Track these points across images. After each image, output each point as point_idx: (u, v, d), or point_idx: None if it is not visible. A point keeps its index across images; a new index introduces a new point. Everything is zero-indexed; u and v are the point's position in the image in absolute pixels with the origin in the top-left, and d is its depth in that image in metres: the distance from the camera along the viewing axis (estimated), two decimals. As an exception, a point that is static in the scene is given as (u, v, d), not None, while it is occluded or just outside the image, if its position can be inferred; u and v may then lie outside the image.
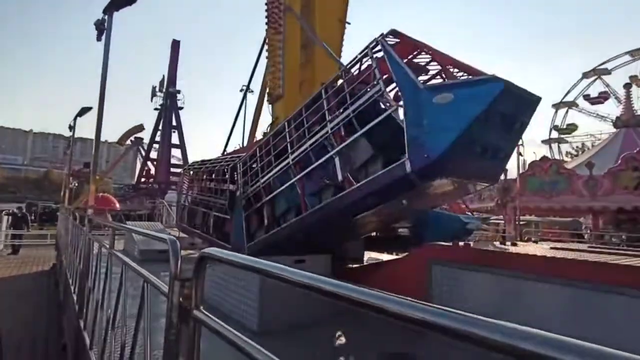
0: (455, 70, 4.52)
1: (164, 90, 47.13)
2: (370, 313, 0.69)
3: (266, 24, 11.42)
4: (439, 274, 4.80)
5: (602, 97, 45.75)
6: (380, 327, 4.47)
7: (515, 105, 3.65)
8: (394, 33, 4.31)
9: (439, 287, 4.79)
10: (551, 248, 4.91)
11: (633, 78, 42.83)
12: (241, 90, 42.52)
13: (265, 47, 11.66)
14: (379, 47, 4.25)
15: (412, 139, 3.59)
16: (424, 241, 5.95)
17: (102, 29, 6.87)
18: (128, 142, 51.04)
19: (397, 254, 7.05)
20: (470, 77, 4.17)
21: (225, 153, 11.47)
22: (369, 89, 4.28)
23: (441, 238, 5.52)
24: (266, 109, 14.16)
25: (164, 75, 47.79)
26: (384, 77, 4.11)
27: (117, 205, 27.22)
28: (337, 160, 4.42)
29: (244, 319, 4.67)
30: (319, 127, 4.85)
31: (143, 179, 47.31)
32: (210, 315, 1.26)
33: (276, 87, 10.44)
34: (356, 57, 4.62)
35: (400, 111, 4.03)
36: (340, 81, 4.94)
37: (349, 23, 10.91)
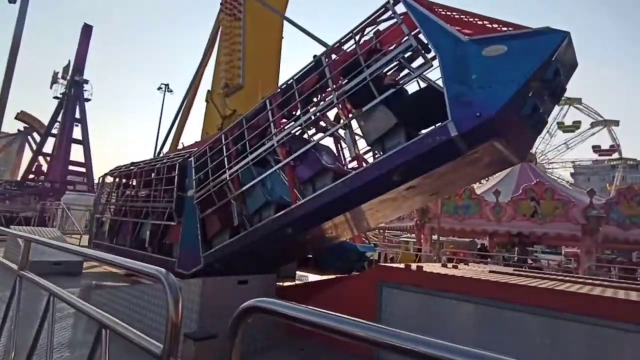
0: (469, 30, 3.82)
1: (68, 77, 41.70)
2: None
3: (221, 10, 10.52)
4: (389, 296, 4.70)
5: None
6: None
7: (567, 62, 3.34)
8: None
9: (388, 309, 4.69)
10: (490, 271, 5.16)
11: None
12: (159, 89, 39.12)
13: (220, 36, 10.76)
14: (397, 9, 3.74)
15: (456, 96, 3.13)
16: (324, 265, 5.83)
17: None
18: (15, 129, 43.85)
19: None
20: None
21: (160, 154, 10.35)
22: (393, 48, 3.69)
23: (340, 264, 5.48)
24: (195, 109, 13.20)
25: (69, 61, 42.40)
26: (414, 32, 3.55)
27: (-6, 204, 22.79)
28: (347, 134, 3.89)
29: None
30: (316, 99, 4.26)
31: (32, 176, 40.79)
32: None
33: (234, 77, 9.60)
34: (366, 19, 4.02)
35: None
36: (333, 56, 4.35)
37: (282, 37, 10.75)
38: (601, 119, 43.31)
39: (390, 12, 3.89)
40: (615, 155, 43.39)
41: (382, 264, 4.94)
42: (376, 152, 3.85)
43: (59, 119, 41.02)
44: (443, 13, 3.93)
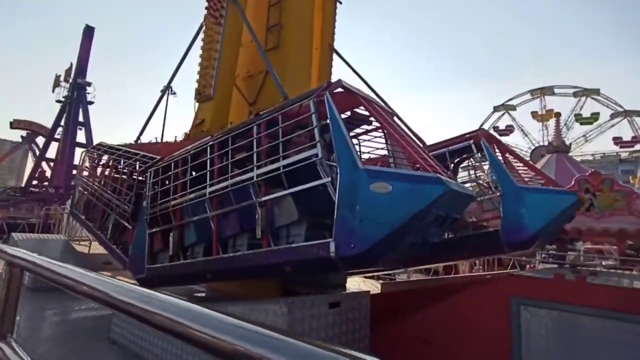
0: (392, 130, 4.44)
1: (70, 80, 40.72)
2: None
3: (206, 8, 9.55)
4: (532, 320, 3.35)
5: (508, 130, 51.31)
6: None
7: (450, 205, 3.58)
8: (339, 84, 4.06)
9: (532, 337, 3.35)
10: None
11: (534, 113, 49.05)
12: (162, 91, 38.92)
13: (201, 35, 9.72)
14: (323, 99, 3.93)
15: (342, 219, 3.35)
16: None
17: None
18: (19, 137, 42.97)
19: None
20: (403, 160, 4.10)
21: (139, 141, 9.39)
22: (305, 148, 3.91)
23: (544, 223, 4.42)
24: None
25: (71, 64, 41.45)
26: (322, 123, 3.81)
27: (-3, 212, 21.75)
28: (259, 211, 4.01)
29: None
30: (247, 164, 4.46)
31: (35, 182, 39.75)
32: None
33: (207, 85, 8.88)
34: (297, 100, 4.26)
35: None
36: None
37: (340, 2, 9.39)
38: (621, 109, 41.82)
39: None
40: (638, 147, 41.84)
41: (513, 272, 3.61)
42: (281, 235, 4.01)
43: (62, 122, 40.05)
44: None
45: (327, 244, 3.37)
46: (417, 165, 3.69)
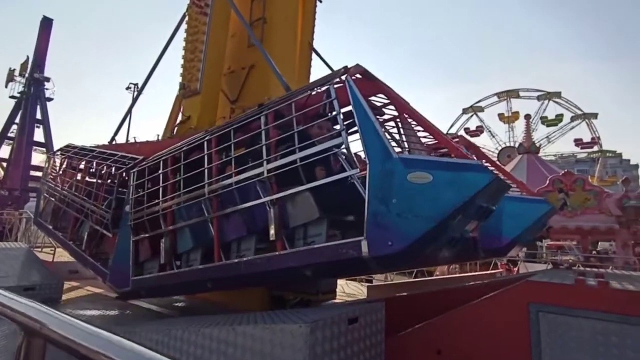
0: (411, 120, 4.21)
1: (26, 75, 38.11)
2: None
3: None
4: (552, 328, 3.24)
5: (478, 130, 52.97)
6: None
7: (493, 196, 3.33)
8: (358, 69, 3.70)
9: (553, 346, 3.22)
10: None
11: (501, 115, 50.96)
12: (127, 89, 36.96)
13: (184, 26, 9.17)
14: (342, 85, 3.54)
15: (375, 215, 3.01)
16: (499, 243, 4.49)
17: None
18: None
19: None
20: (442, 150, 3.85)
21: (114, 142, 8.74)
22: (326, 138, 3.54)
23: (520, 231, 4.51)
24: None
25: (27, 57, 38.80)
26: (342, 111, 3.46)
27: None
28: (271, 212, 3.57)
29: None
30: (249, 160, 4.07)
31: (-16, 185, 36.92)
32: None
33: (193, 79, 8.31)
34: (309, 86, 3.90)
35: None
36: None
37: (320, 1, 9.08)
38: (580, 112, 44.13)
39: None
40: (596, 148, 44.26)
41: (532, 278, 3.49)
42: (297, 236, 3.67)
43: (17, 120, 37.40)
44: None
45: (357, 242, 3.02)
46: (452, 154, 3.41)
